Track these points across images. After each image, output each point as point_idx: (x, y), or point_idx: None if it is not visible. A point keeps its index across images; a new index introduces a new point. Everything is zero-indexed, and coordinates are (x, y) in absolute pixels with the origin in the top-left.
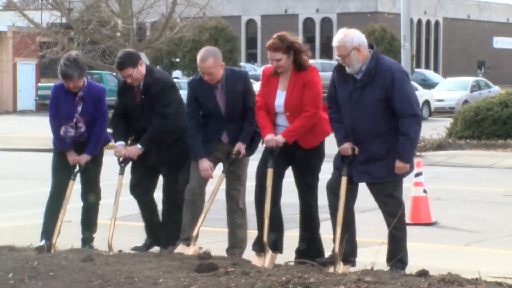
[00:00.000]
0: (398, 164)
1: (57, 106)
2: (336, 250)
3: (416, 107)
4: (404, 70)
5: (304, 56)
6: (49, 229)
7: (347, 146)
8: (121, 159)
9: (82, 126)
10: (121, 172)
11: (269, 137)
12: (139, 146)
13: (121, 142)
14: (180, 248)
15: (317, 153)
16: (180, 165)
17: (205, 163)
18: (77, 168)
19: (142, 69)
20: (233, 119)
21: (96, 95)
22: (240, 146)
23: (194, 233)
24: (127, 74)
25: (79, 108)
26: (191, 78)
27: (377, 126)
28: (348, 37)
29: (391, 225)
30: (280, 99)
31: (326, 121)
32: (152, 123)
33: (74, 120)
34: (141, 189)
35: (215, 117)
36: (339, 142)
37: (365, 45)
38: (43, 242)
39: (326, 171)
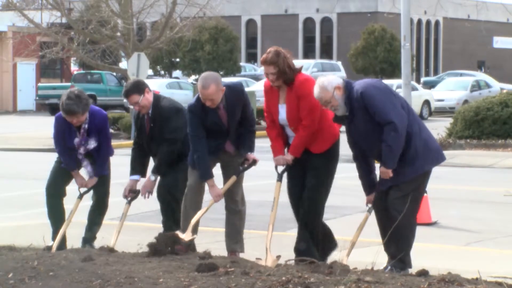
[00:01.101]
0: (381, 169)
1: (62, 136)
2: (345, 254)
3: (390, 114)
4: (371, 83)
5: (293, 72)
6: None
7: (371, 198)
8: (129, 198)
9: (85, 160)
10: (129, 202)
11: (279, 157)
12: (152, 178)
13: (135, 177)
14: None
15: (329, 157)
16: (179, 164)
17: (217, 190)
18: (85, 189)
19: (149, 96)
20: (234, 130)
21: (99, 125)
22: (253, 156)
23: (193, 222)
24: (133, 102)
25: (84, 140)
26: (190, 103)
27: (380, 140)
28: (326, 81)
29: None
30: (282, 113)
31: (333, 125)
32: (161, 148)
33: (80, 151)
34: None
35: (218, 132)
36: (365, 192)
37: (341, 83)
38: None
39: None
